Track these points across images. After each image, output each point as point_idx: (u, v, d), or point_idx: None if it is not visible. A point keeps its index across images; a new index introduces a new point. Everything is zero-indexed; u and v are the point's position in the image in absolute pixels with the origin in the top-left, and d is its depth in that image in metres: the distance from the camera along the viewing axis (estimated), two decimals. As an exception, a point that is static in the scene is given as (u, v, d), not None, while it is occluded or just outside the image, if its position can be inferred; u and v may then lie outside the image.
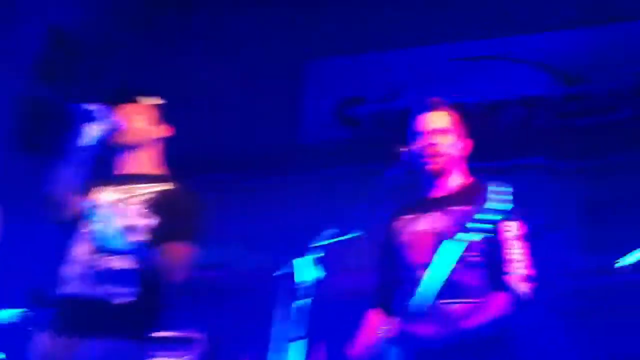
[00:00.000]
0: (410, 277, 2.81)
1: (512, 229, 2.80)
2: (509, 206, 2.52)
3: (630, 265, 2.84)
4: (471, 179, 3.04)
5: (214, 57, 6.40)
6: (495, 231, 2.72)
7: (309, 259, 2.36)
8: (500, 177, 5.78)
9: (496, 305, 2.73)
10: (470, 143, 3.04)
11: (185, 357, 4.89)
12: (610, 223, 5.24)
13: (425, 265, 2.72)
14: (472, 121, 5.79)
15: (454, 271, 2.66)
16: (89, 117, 3.12)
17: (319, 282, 2.55)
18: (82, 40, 6.31)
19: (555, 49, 5.77)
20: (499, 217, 2.65)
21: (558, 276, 5.27)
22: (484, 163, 6.02)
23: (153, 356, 3.09)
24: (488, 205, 2.49)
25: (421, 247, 2.86)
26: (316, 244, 2.41)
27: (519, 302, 2.72)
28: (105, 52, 6.26)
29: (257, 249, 6.16)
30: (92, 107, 3.13)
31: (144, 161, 3.30)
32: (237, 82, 6.44)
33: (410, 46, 6.10)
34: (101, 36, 6.35)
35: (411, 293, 2.63)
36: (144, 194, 3.16)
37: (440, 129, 2.96)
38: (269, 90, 6.39)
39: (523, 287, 2.72)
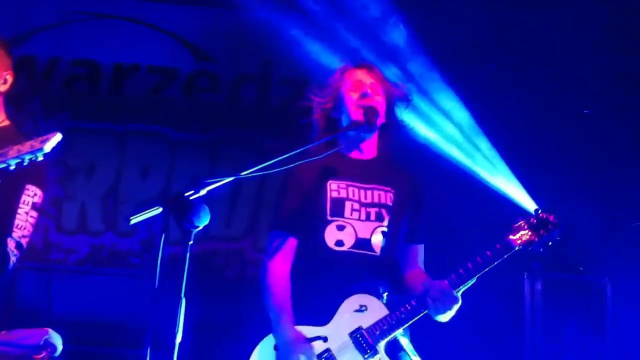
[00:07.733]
0: None
1: (31, 194, 2.71)
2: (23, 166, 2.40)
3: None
4: (10, 122, 2.92)
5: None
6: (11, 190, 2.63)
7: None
8: (117, 142, 5.80)
9: None
10: (11, 78, 2.89)
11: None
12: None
13: None
14: (102, 81, 5.73)
15: None
16: None
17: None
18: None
19: (191, 23, 5.90)
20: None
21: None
22: (105, 125, 5.99)
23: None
24: (18, 157, 2.33)
25: None
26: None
27: (5, 265, 2.63)
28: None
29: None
30: None
31: None
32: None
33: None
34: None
35: None
36: None
37: None
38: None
39: (14, 254, 2.65)
